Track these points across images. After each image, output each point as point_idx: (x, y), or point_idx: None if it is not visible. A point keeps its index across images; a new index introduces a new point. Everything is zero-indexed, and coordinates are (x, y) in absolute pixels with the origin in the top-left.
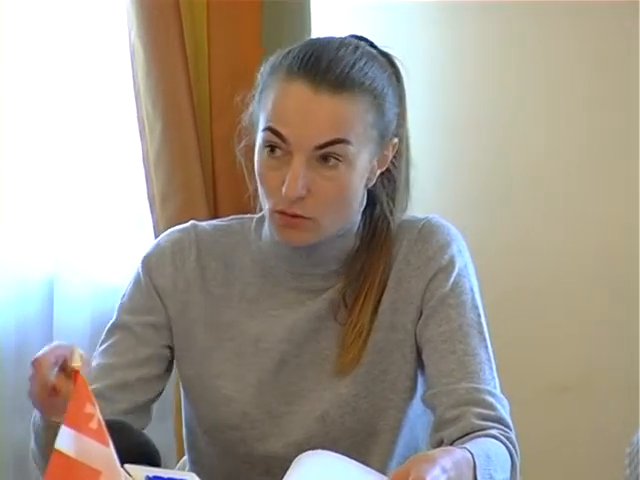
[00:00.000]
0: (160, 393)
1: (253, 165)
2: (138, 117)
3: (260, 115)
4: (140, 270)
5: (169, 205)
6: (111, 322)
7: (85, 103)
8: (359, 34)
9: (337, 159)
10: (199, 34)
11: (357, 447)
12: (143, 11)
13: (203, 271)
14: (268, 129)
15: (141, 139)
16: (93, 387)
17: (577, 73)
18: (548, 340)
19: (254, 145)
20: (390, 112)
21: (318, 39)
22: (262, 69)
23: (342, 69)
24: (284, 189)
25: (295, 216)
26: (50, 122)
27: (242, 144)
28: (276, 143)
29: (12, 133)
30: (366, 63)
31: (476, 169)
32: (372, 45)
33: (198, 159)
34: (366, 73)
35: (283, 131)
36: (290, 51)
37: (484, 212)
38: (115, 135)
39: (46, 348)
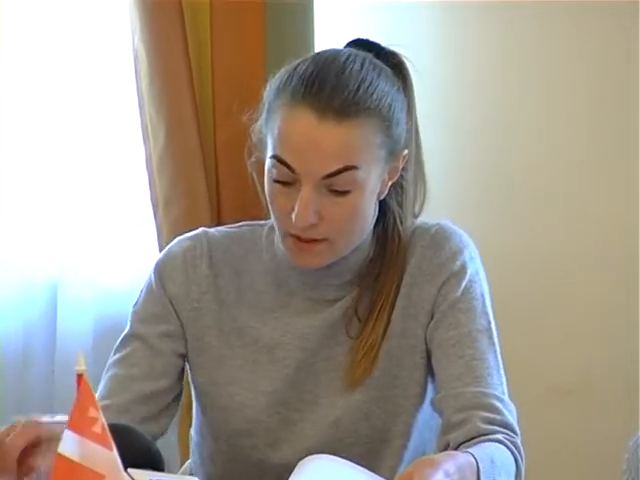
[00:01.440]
0: (175, 400)
1: (264, 180)
2: (141, 122)
3: (268, 138)
4: (152, 277)
5: (172, 210)
6: (126, 331)
7: (88, 108)
8: (364, 37)
9: (347, 185)
10: (202, 37)
11: (369, 453)
12: (146, 15)
13: (215, 278)
14: (274, 157)
15: (144, 144)
16: (112, 401)
17: (578, 73)
18: (549, 342)
19: (264, 161)
20: (399, 127)
21: (322, 56)
22: (268, 88)
23: (347, 95)
24: (294, 217)
25: (310, 241)
26: (54, 126)
27: (252, 159)
28: (283, 171)
29: (16, 137)
30: (371, 83)
31: (478, 169)
32: (378, 49)
33: (201, 164)
34: (372, 94)
35: (289, 161)
36: (295, 70)
37: (486, 212)
38: (118, 139)
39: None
